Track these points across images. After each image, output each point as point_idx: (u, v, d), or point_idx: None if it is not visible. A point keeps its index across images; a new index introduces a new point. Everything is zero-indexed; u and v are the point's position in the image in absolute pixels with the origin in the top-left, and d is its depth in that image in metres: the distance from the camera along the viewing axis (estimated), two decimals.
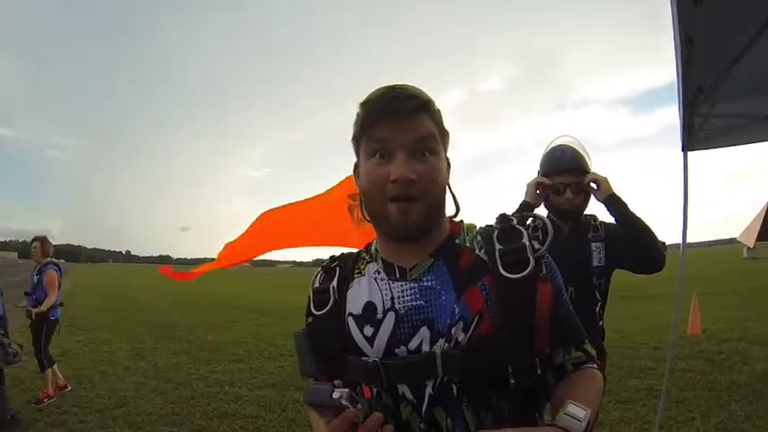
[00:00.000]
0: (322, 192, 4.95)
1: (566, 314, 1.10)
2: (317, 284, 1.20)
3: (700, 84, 3.04)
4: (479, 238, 1.11)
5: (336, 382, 0.98)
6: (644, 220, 2.30)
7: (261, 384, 7.03)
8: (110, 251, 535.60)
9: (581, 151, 2.49)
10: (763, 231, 29.88)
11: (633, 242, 2.30)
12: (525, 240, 1.04)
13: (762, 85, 3.17)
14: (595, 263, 2.41)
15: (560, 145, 2.53)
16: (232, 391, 6.64)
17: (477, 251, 1.09)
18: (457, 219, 1.18)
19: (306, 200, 4.98)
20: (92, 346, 10.06)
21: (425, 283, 1.06)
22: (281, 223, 4.91)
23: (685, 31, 2.54)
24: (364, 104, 1.06)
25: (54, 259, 6.36)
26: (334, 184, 4.89)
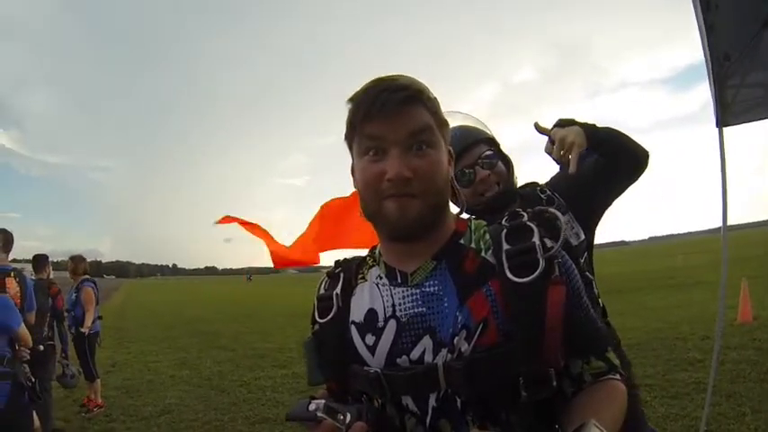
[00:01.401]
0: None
1: (584, 319, 1.01)
2: (321, 291, 1.16)
3: (727, 51, 2.88)
4: (488, 237, 1.04)
5: (321, 392, 0.96)
6: (614, 128, 1.78)
7: (303, 389, 7.00)
8: (157, 265, 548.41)
9: (469, 123, 1.93)
10: None
11: (614, 159, 1.79)
12: (536, 239, 0.96)
13: None
14: (574, 242, 1.83)
15: None
16: (274, 397, 6.72)
17: (483, 252, 1.01)
18: (464, 216, 1.12)
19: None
20: (140, 357, 10.34)
21: (427, 289, 0.99)
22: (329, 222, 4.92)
23: None
24: (351, 100, 1.00)
25: (89, 277, 6.58)
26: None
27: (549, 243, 0.96)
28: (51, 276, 6.10)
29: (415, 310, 0.98)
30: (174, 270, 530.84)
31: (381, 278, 1.07)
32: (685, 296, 12.73)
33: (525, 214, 1.02)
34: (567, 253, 1.01)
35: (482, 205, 1.80)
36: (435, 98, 1.03)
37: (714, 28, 2.60)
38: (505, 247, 0.97)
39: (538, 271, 0.92)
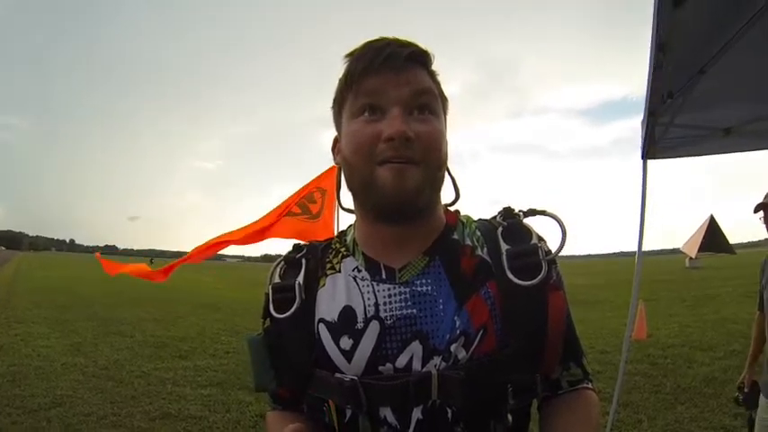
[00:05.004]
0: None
1: (570, 326, 0.97)
2: (277, 279, 0.99)
3: (670, 89, 3.05)
4: (479, 234, 0.95)
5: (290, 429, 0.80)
6: None
7: (205, 383, 6.81)
8: (53, 239, 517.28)
9: None
10: (705, 243, 31.57)
11: None
12: (535, 241, 0.90)
13: (721, 99, 3.24)
14: None
15: None
16: (175, 390, 6.40)
17: (478, 250, 0.92)
18: (452, 208, 1.01)
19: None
20: (28, 340, 9.51)
21: (419, 288, 0.88)
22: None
23: (659, 36, 2.52)
24: (350, 55, 0.89)
25: None
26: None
27: (546, 247, 0.92)
28: None
29: (404, 312, 0.87)
30: (71, 246, 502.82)
31: (360, 271, 0.93)
32: (584, 313, 13.34)
33: (521, 214, 0.96)
34: None
35: None
36: (438, 72, 0.94)
37: (660, 67, 2.73)
38: (505, 246, 0.90)
39: (542, 274, 0.86)
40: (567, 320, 0.92)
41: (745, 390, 3.07)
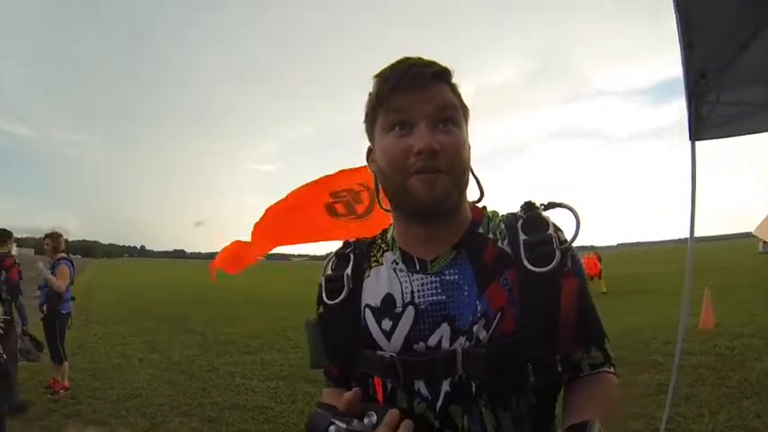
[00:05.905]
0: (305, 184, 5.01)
1: (590, 310, 1.05)
2: (329, 271, 1.14)
3: (704, 69, 2.99)
4: (503, 226, 1.06)
5: (345, 400, 0.88)
6: None
7: (271, 376, 7.11)
8: (125, 246, 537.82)
9: None
10: None
11: None
12: (551, 231, 1.00)
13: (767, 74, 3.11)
14: None
15: None
16: (243, 383, 6.72)
17: (500, 242, 1.03)
18: (479, 205, 1.12)
19: (298, 189, 5.05)
20: (106, 339, 10.18)
21: (447, 277, 1.01)
22: (281, 219, 5.01)
23: (685, 14, 2.49)
24: (379, 75, 1.01)
25: (66, 254, 6.41)
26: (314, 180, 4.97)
27: (562, 236, 1.01)
28: (14, 252, 5.98)
29: (435, 298, 1.00)
30: (142, 251, 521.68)
31: (398, 263, 1.07)
32: (649, 302, 13.00)
33: (540, 206, 1.06)
34: None
35: None
36: (458, 85, 1.04)
37: (693, 46, 2.69)
38: (522, 237, 1.00)
39: (554, 262, 0.95)
40: (581, 304, 0.98)
41: None
